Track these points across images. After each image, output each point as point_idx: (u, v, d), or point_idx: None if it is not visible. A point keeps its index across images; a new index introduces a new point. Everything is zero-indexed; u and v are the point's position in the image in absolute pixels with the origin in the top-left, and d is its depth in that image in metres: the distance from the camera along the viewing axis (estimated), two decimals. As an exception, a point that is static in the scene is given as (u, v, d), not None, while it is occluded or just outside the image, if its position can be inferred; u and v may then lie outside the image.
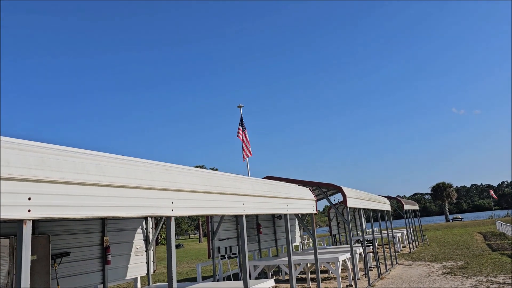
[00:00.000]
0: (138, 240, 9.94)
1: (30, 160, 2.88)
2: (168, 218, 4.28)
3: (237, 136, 15.73)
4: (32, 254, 7.50)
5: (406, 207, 22.69)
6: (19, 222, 2.91)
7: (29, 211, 2.80)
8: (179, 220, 73.96)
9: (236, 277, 15.03)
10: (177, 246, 51.48)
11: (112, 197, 3.52)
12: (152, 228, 10.37)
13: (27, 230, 2.94)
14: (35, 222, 7.67)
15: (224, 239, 13.10)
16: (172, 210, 4.24)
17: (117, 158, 4.02)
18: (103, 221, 9.04)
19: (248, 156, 15.66)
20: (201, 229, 68.47)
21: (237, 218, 14.03)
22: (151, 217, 10.40)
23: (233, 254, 13.20)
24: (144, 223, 10.19)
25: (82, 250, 8.49)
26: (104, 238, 8.99)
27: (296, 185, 8.51)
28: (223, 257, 12.67)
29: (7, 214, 2.65)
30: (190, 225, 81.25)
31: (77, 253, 8.35)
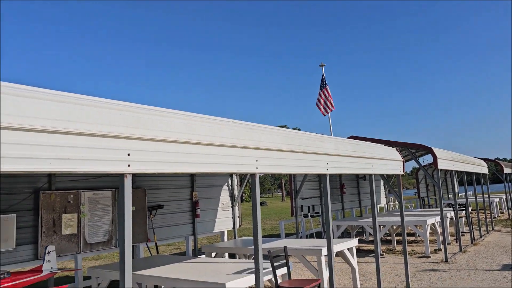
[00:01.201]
0: (225, 196, 10.43)
1: (127, 119, 3.09)
2: (252, 175, 4.39)
3: (316, 104, 15.39)
4: (131, 205, 8.27)
5: (506, 170, 20.84)
6: (121, 176, 3.18)
7: (128, 165, 3.03)
8: (262, 178, 76.02)
9: (318, 235, 15.23)
10: (261, 204, 53.25)
11: (201, 154, 3.69)
12: (237, 185, 10.79)
13: (128, 183, 3.21)
14: (132, 177, 8.40)
15: (307, 198, 13.23)
16: (257, 168, 4.34)
17: (205, 118, 4.16)
18: (192, 177, 9.59)
19: (331, 111, 15.34)
20: (283, 188, 69.87)
21: (320, 177, 14.01)
22: (236, 175, 10.81)
23: (316, 213, 13.33)
24: (229, 180, 10.63)
25: (174, 203, 9.15)
26: (193, 193, 9.57)
27: (382, 145, 8.19)
28: (306, 216, 12.86)
29: (110, 168, 2.90)
30: (273, 184, 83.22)
31: (170, 206, 9.02)
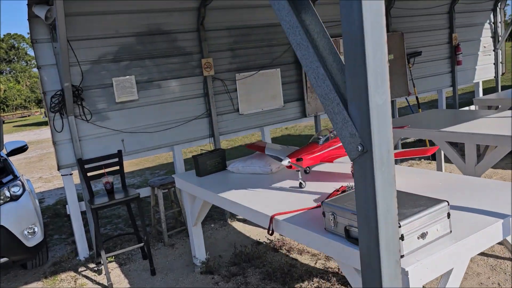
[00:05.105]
0: (486, 37, 8.24)
1: None
2: None
3: None
4: (388, 53, 6.92)
5: None
6: None
7: None
8: None
9: None
10: None
11: None
12: (501, 22, 8.39)
13: None
14: (388, 17, 6.86)
15: None
16: None
17: None
18: (451, 14, 7.58)
19: None
20: None
21: None
22: (501, 8, 8.32)
23: None
24: (491, 16, 8.26)
25: (432, 49, 7.47)
26: (453, 35, 7.67)
27: None
28: None
29: None
30: None
31: (427, 53, 7.40)
